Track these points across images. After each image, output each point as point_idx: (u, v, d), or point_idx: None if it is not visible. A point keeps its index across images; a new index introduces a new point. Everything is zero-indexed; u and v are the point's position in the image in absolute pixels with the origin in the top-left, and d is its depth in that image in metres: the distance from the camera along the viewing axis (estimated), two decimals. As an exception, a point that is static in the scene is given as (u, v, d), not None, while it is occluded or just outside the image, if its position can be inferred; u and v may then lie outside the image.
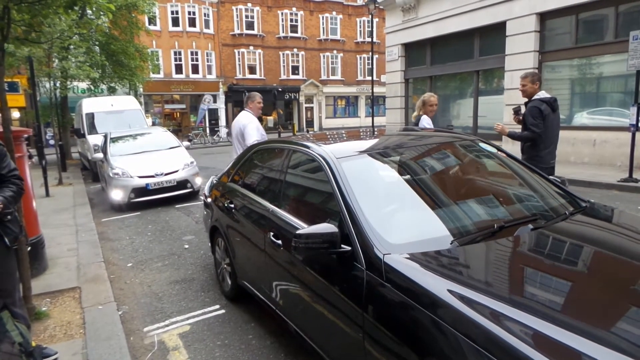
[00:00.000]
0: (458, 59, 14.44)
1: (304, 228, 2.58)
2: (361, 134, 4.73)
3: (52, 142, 19.82)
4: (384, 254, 2.08)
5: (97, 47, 17.26)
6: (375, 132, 4.26)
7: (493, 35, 12.95)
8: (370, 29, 33.02)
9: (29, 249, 3.90)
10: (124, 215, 8.10)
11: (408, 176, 2.95)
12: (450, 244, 2.17)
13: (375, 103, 29.26)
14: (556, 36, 11.70)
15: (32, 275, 4.11)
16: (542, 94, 4.91)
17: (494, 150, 3.37)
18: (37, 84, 12.23)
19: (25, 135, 4.81)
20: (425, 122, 5.75)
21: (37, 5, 4.46)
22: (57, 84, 15.94)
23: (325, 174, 2.72)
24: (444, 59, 15.03)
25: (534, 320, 1.59)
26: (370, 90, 22.14)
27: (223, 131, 31.06)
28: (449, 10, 13.99)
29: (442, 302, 1.76)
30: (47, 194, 9.82)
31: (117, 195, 8.53)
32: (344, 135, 4.58)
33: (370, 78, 30.35)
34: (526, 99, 5.03)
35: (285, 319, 3.07)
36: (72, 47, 15.01)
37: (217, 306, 4.06)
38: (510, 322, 1.59)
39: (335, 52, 38.40)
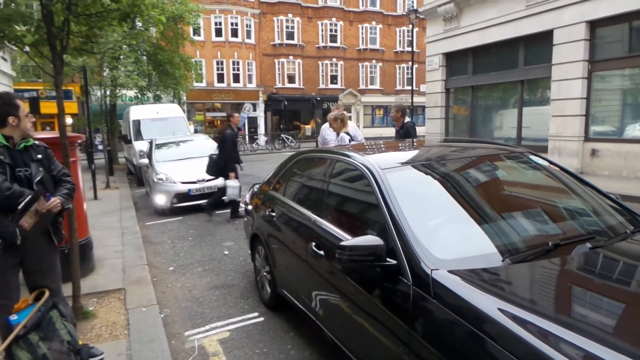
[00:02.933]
0: (501, 68, 14.07)
1: (347, 239, 2.56)
2: (399, 144, 4.67)
3: (100, 147, 20.71)
4: (431, 270, 2.03)
5: (145, 57, 17.98)
6: (415, 143, 4.18)
7: (539, 44, 12.54)
8: (410, 39, 32.80)
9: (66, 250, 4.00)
10: (166, 220, 8.32)
11: (454, 189, 2.87)
12: (502, 261, 2.09)
13: (414, 113, 28.93)
14: (607, 45, 11.20)
15: (81, 276, 4.26)
16: (408, 119, 7.54)
17: (545, 162, 3.24)
18: (89, 92, 12.84)
19: (79, 141, 5.03)
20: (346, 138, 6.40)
21: (94, 17, 4.69)
22: (108, 92, 16.70)
23: (370, 184, 2.69)
24: (487, 68, 14.68)
25: (590, 344, 1.50)
26: (409, 100, 21.93)
27: (262, 139, 31.52)
28: (493, 19, 13.69)
29: (493, 321, 1.69)
30: (96, 197, 10.25)
31: (160, 199, 8.79)
32: (382, 145, 4.54)
33: (409, 88, 30.10)
34: (397, 124, 7.44)
35: (324, 330, 3.05)
36: (122, 57, 15.71)
37: (256, 314, 4.08)
38: (563, 344, 1.51)
39: (374, 61, 38.36)
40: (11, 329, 2.75)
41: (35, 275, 2.96)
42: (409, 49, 32.11)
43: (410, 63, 24.27)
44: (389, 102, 39.44)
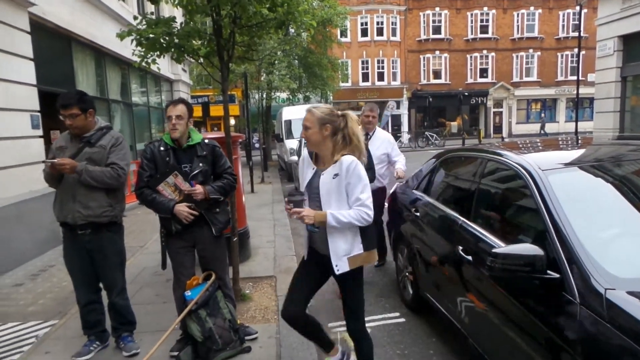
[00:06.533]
0: (702, 49, 11.57)
1: (499, 246, 2.37)
2: (560, 142, 4.15)
3: (257, 145, 22.80)
4: (605, 289, 1.75)
5: (296, 61, 19.23)
6: (580, 141, 3.65)
7: None
8: (576, 22, 29.06)
9: (234, 239, 4.44)
10: (312, 214, 8.75)
11: (633, 195, 2.45)
12: None
13: (580, 106, 25.58)
14: None
15: (239, 262, 4.74)
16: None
17: None
18: (249, 96, 14.24)
19: (240, 140, 5.60)
20: None
21: (254, 27, 5.15)
22: (264, 95, 18.32)
23: (527, 186, 2.45)
24: (681, 50, 12.21)
25: None
26: (572, 92, 19.46)
27: (405, 137, 31.25)
28: (691, -11, 11.32)
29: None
30: (252, 191, 11.32)
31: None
32: (539, 144, 4.07)
33: (573, 78, 26.73)
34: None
35: (470, 340, 2.87)
36: (276, 62, 17.05)
37: (397, 314, 4.05)
38: None
39: (531, 50, 34.90)
40: (186, 304, 3.19)
41: (204, 259, 3.36)
42: (575, 34, 28.48)
43: (576, 50, 21.46)
44: (548, 94, 35.57)
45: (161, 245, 3.32)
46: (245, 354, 3.26)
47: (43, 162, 3.09)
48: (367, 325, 3.80)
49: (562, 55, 35.12)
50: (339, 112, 2.55)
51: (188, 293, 3.22)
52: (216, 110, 16.55)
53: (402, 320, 3.92)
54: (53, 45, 7.56)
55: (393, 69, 33.98)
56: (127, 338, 3.37)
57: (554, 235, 2.08)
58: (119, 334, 3.38)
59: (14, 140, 5.70)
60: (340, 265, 2.44)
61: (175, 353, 3.19)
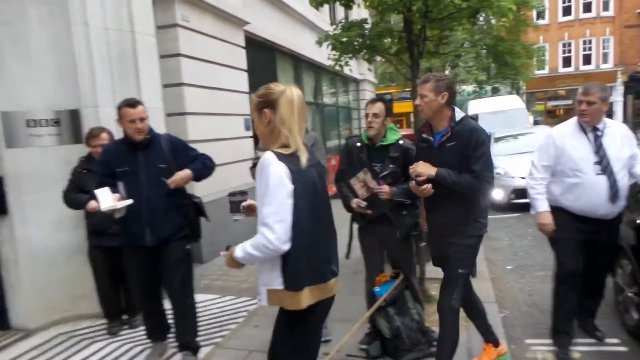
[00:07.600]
0: None
1: None
2: None
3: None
4: None
5: (484, 51, 17.97)
6: None
7: None
8: None
9: (422, 244, 4.29)
10: (503, 215, 8.11)
11: None
12: None
13: None
14: None
15: (426, 261, 4.64)
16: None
17: None
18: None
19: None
20: None
21: (445, 20, 4.97)
22: (449, 89, 17.73)
23: None
24: None
25: None
26: None
27: (619, 128, 26.45)
28: None
29: None
30: (435, 189, 11.06)
31: (497, 194, 8.63)
32: None
33: None
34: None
35: None
36: (462, 54, 16.24)
37: (617, 340, 3.41)
38: None
39: None
40: (374, 299, 3.26)
41: (391, 259, 3.41)
42: None
43: None
44: None
45: (349, 236, 3.45)
46: (432, 359, 3.17)
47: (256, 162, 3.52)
48: (575, 348, 3.33)
49: None
50: (278, 89, 1.92)
51: (377, 289, 3.29)
52: (399, 107, 16.65)
53: (622, 348, 3.29)
54: (261, 57, 8.62)
55: (604, 49, 29.08)
56: (320, 324, 3.61)
57: None
58: (312, 319, 3.64)
59: (233, 141, 6.70)
60: (261, 296, 1.92)
61: (365, 346, 3.28)
